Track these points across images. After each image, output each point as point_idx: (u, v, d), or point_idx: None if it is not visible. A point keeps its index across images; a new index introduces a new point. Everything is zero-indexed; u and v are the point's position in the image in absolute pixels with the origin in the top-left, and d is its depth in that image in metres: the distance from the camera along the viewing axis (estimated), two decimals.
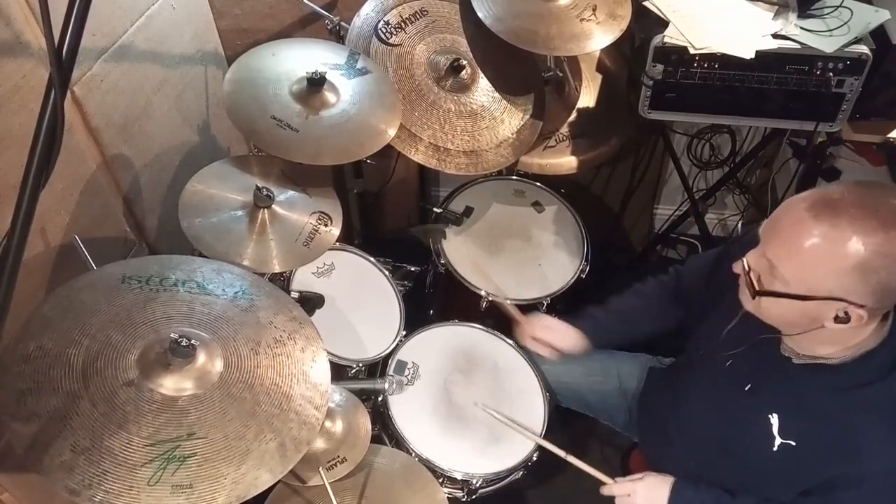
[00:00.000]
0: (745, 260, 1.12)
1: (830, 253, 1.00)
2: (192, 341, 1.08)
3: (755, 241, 1.12)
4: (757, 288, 1.10)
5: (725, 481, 1.30)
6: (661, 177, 2.52)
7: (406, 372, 1.64)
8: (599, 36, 1.72)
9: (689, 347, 1.48)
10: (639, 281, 1.62)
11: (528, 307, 1.77)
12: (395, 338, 1.72)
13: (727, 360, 1.29)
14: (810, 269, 1.02)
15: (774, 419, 1.18)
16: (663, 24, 1.67)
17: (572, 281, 1.86)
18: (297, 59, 1.60)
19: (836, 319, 1.04)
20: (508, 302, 1.73)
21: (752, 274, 1.11)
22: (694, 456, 1.37)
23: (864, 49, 1.59)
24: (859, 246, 0.98)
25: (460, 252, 1.88)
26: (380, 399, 1.60)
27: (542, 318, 1.62)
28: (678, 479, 1.35)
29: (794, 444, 1.16)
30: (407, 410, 1.58)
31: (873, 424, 1.09)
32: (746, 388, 1.25)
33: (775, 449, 1.17)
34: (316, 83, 1.53)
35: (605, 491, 1.41)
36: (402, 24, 1.78)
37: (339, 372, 1.63)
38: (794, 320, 1.10)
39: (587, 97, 2.08)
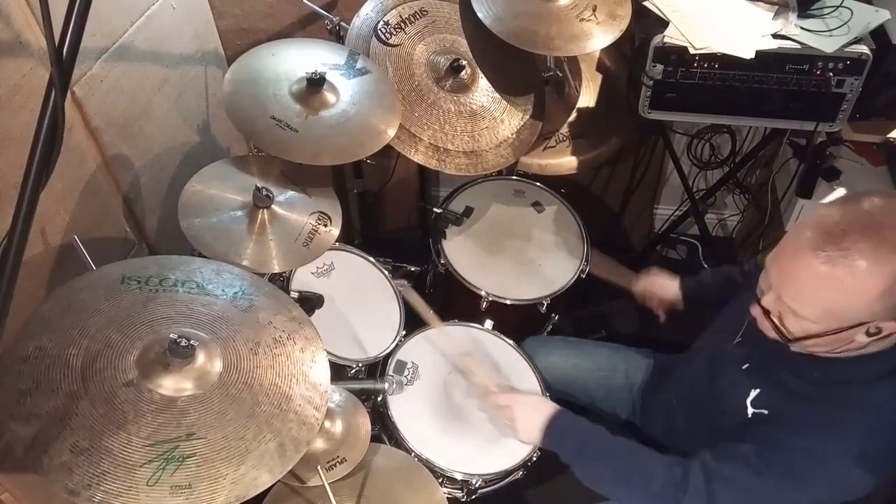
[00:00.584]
0: (760, 305, 1.13)
1: (851, 291, 1.00)
2: (192, 342, 1.08)
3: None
4: (787, 335, 1.11)
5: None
6: (661, 177, 2.52)
7: (406, 372, 1.64)
8: (599, 36, 1.72)
9: (707, 332, 1.50)
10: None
11: (531, 304, 1.78)
12: (395, 338, 1.71)
13: (735, 338, 1.33)
14: (836, 310, 1.03)
15: (755, 392, 1.21)
16: (663, 24, 1.67)
17: (572, 281, 1.86)
18: (296, 59, 1.60)
19: (868, 334, 1.05)
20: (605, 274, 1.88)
21: (773, 318, 1.11)
22: (694, 440, 1.38)
23: (864, 49, 1.59)
24: (879, 277, 0.98)
25: (460, 252, 1.88)
26: (379, 399, 1.60)
27: (650, 273, 1.75)
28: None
29: (766, 412, 1.19)
30: (407, 410, 1.58)
31: (846, 414, 1.11)
32: (744, 368, 1.27)
33: (749, 416, 1.21)
34: (316, 83, 1.53)
35: (487, 399, 1.53)
36: (402, 24, 1.77)
37: (339, 372, 1.63)
38: (826, 345, 1.10)
39: (587, 97, 2.08)
